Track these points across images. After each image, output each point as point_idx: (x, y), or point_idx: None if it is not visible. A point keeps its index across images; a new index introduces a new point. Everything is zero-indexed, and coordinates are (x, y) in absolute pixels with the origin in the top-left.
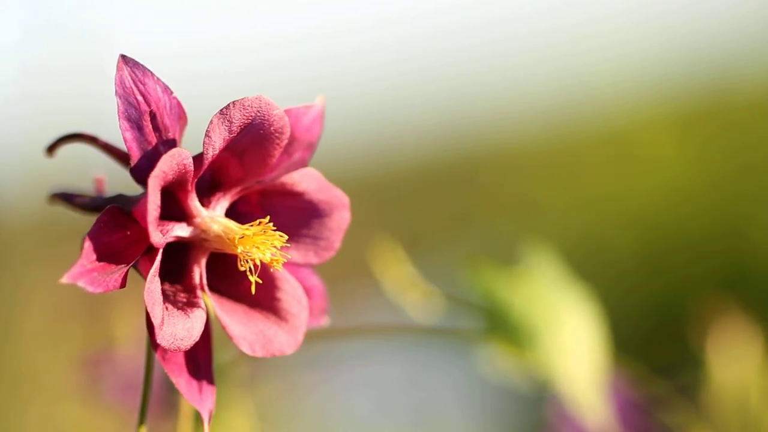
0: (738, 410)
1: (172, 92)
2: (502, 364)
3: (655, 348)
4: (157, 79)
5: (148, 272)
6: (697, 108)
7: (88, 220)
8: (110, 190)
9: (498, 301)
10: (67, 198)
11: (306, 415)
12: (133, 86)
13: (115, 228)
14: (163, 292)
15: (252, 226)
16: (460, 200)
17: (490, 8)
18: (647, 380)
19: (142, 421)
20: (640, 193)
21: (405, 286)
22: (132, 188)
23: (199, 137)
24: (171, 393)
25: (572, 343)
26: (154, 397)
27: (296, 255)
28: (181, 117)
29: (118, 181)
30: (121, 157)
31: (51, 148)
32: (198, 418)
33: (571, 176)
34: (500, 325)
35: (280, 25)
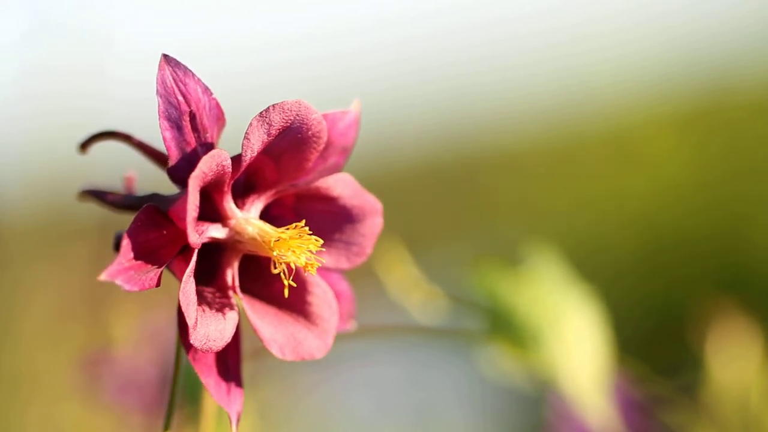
0: (738, 410)
1: (212, 93)
2: (505, 365)
3: (656, 348)
4: (198, 79)
5: (181, 272)
6: (697, 108)
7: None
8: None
9: (501, 301)
10: (98, 195)
11: (306, 415)
12: (174, 86)
13: (151, 227)
14: (197, 292)
15: (288, 229)
16: (460, 200)
17: (490, 8)
18: (648, 380)
19: (167, 425)
20: (639, 193)
21: (408, 286)
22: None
23: None
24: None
25: (575, 343)
26: (158, 398)
27: (328, 259)
28: (219, 118)
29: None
30: (154, 155)
31: (84, 145)
32: (220, 418)
33: (572, 176)
34: (504, 326)
35: (280, 25)
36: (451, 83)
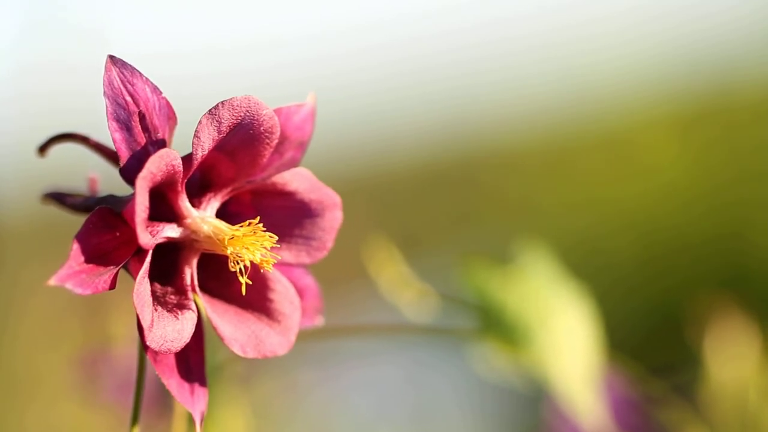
0: (736, 409)
1: (161, 92)
2: (497, 363)
3: (654, 347)
4: (146, 79)
5: (137, 273)
6: (698, 109)
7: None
8: (106, 190)
9: (492, 299)
10: (58, 198)
11: (306, 415)
12: (121, 87)
13: (104, 229)
14: (154, 293)
15: (242, 226)
16: (459, 201)
17: (490, 8)
18: (645, 379)
19: (134, 421)
20: (640, 194)
21: (399, 285)
22: (127, 187)
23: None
24: (166, 393)
25: (566, 340)
26: (150, 397)
27: (288, 255)
28: (171, 117)
29: (115, 180)
30: (112, 157)
31: (42, 148)
32: (191, 419)
33: (571, 178)
34: (494, 324)
35: (278, 26)
36: (450, 83)
